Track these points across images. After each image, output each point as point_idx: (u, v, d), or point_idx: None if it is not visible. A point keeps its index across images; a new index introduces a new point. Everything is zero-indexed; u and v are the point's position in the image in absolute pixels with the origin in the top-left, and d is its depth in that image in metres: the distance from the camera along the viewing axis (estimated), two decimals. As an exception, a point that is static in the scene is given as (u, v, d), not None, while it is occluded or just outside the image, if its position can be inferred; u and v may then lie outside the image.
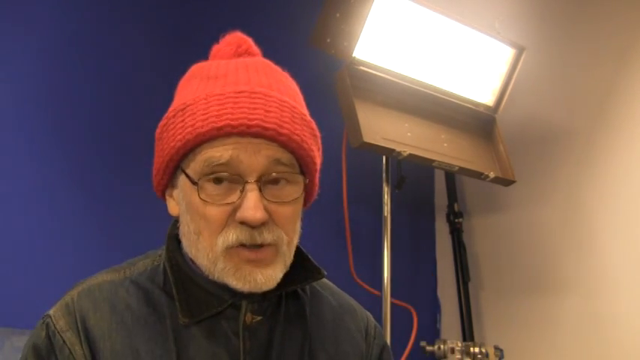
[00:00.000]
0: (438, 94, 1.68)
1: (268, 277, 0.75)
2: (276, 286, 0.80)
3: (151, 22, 1.74)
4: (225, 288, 0.79)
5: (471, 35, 1.67)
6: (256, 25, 1.89)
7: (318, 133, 0.82)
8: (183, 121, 0.76)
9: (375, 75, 1.54)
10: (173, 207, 0.83)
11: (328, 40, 1.45)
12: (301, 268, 0.84)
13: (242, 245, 0.74)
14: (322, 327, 0.87)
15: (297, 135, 0.76)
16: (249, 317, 0.79)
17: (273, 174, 0.75)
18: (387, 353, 0.95)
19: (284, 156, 0.76)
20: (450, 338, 1.84)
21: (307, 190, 0.83)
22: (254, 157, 0.74)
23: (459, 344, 1.79)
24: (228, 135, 0.73)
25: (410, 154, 1.51)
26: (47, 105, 1.53)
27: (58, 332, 0.76)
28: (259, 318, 0.80)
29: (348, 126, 1.45)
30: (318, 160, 0.82)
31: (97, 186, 1.58)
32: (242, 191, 0.74)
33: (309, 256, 0.86)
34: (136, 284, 0.81)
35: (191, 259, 0.80)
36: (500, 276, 2.16)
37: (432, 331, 2.27)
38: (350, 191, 1.66)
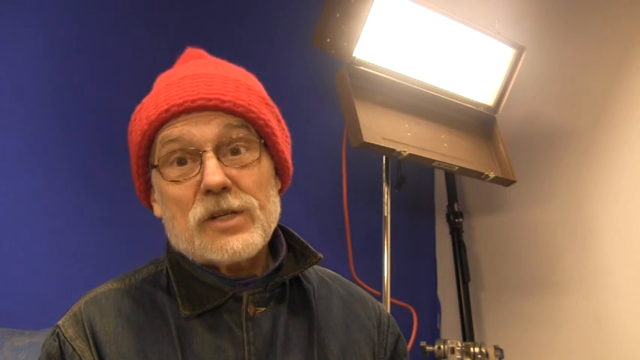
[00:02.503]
0: (438, 94, 1.68)
1: (245, 242, 0.76)
2: (276, 274, 0.83)
3: (155, 21, 1.74)
4: (225, 280, 0.80)
5: (471, 35, 1.67)
6: (257, 25, 1.90)
7: (272, 104, 0.84)
8: (139, 118, 0.80)
9: (375, 75, 1.54)
10: (157, 209, 0.85)
11: (328, 40, 1.45)
12: (301, 256, 0.86)
13: (213, 218, 0.76)
14: (332, 316, 0.88)
15: (243, 100, 0.78)
16: (251, 309, 0.80)
17: (231, 137, 0.77)
18: (402, 342, 0.95)
19: (235, 120, 0.78)
20: (450, 338, 1.84)
21: (277, 163, 0.84)
22: (206, 128, 0.76)
23: (459, 344, 1.79)
24: (176, 115, 0.77)
25: (410, 154, 1.51)
26: (50, 104, 1.53)
27: (68, 341, 0.78)
28: (262, 309, 0.81)
29: (348, 126, 1.46)
30: (275, 126, 0.83)
31: (99, 187, 1.58)
32: (201, 163, 0.76)
33: (308, 244, 0.87)
34: (141, 290, 0.83)
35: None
36: (500, 276, 2.16)
37: (432, 331, 2.27)
38: (350, 191, 1.66)
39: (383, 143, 1.48)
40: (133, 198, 1.62)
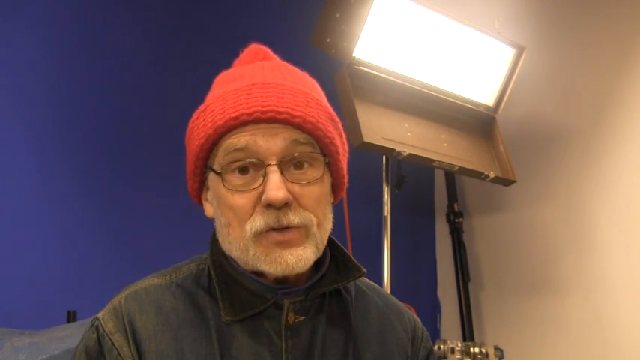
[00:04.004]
0: (438, 94, 1.68)
1: (298, 257, 0.76)
2: (318, 285, 0.83)
3: (155, 22, 1.74)
4: (268, 287, 0.80)
5: (471, 35, 1.67)
6: (257, 25, 1.90)
7: (337, 120, 0.84)
8: (204, 119, 0.79)
9: (375, 75, 1.54)
10: (208, 209, 0.84)
11: (328, 40, 1.45)
12: (343, 267, 0.86)
13: (270, 230, 0.76)
14: (368, 327, 0.88)
15: (312, 117, 0.78)
16: (291, 317, 0.80)
17: (295, 154, 0.77)
18: (433, 357, 0.96)
19: (301, 137, 0.77)
20: (450, 338, 1.84)
21: (335, 179, 0.84)
22: (272, 141, 0.76)
23: (459, 344, 1.79)
24: (245, 124, 0.76)
25: (410, 154, 1.51)
26: (50, 104, 1.53)
27: (107, 334, 0.78)
28: (302, 318, 0.81)
29: (348, 126, 1.45)
30: (339, 144, 0.83)
31: (99, 189, 1.58)
32: (264, 175, 0.75)
33: (351, 256, 0.87)
34: (182, 288, 0.83)
35: (234, 260, 0.81)
36: (500, 276, 2.16)
37: (432, 331, 2.26)
38: (350, 191, 1.66)
39: (383, 143, 1.47)
40: (132, 200, 1.63)
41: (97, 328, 0.79)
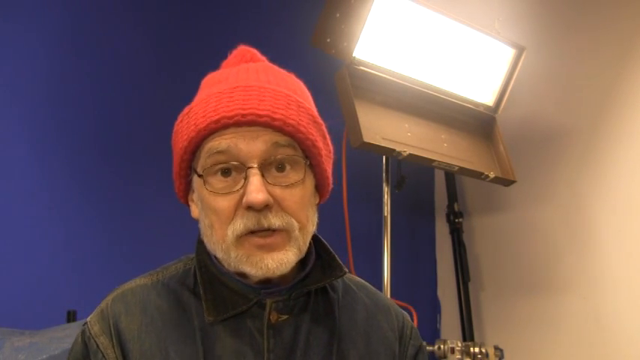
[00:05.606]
0: (438, 94, 1.68)
1: (279, 261, 0.77)
2: (302, 284, 0.83)
3: (156, 22, 1.74)
4: (251, 287, 0.81)
5: (471, 35, 1.67)
6: (257, 25, 1.90)
7: (320, 121, 0.84)
8: (187, 122, 0.80)
9: (375, 75, 1.54)
10: (194, 210, 0.85)
11: (328, 40, 1.46)
12: (328, 267, 0.86)
13: (252, 233, 0.76)
14: (354, 326, 0.88)
15: (293, 119, 0.78)
16: (274, 316, 0.81)
17: (276, 156, 0.77)
18: (423, 354, 0.95)
19: (282, 139, 0.78)
20: (450, 338, 1.84)
21: (318, 181, 0.85)
22: (253, 144, 0.76)
23: (459, 344, 1.79)
24: (226, 126, 0.77)
25: (410, 154, 1.51)
26: (50, 104, 1.53)
27: (93, 337, 0.80)
28: (285, 317, 0.81)
29: (348, 126, 1.45)
30: (322, 146, 0.83)
31: (99, 189, 1.58)
32: (245, 178, 0.76)
33: (335, 256, 0.87)
34: (167, 287, 0.84)
35: (218, 260, 0.82)
36: (500, 276, 2.16)
37: (432, 331, 2.27)
38: (350, 191, 1.66)
39: (383, 143, 1.48)
40: (132, 200, 1.63)
41: (83, 332, 0.82)
